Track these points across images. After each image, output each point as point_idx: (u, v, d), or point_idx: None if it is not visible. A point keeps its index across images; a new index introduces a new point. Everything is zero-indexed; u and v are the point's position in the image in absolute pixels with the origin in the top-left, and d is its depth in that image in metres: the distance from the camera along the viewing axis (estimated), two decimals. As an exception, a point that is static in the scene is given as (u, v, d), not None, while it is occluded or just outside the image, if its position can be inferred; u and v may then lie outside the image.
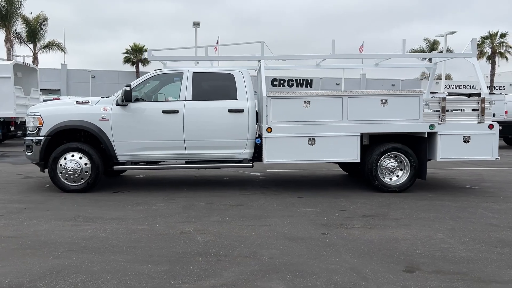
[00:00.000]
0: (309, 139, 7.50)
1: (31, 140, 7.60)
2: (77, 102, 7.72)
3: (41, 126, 7.53)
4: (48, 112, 7.62)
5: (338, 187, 8.28)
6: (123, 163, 7.67)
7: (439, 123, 7.58)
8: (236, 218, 5.83)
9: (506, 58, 46.81)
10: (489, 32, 48.21)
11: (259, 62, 8.10)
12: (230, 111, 7.61)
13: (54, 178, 7.50)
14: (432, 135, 7.64)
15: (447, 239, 4.92)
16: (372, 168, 7.62)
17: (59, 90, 46.97)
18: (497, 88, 49.31)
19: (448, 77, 73.96)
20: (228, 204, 6.73)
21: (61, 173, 7.47)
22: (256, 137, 7.73)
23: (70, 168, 7.42)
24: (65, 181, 7.50)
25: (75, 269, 3.96)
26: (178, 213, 6.11)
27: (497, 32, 48.10)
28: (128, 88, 7.28)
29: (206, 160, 7.85)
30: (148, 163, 7.92)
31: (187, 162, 7.97)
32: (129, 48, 48.43)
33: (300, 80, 48.85)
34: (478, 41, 49.12)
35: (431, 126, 7.57)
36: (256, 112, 7.92)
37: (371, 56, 9.03)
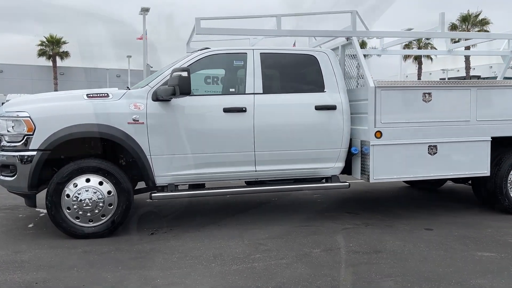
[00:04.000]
0: (430, 146, 5.43)
1: (13, 156, 4.68)
2: (88, 96, 4.91)
3: (32, 134, 4.64)
4: (44, 112, 4.74)
5: (438, 207, 6.28)
6: (162, 188, 5.06)
7: None
8: (419, 285, 3.58)
9: (431, 58, 48.38)
10: (416, 33, 49.82)
11: (347, 39, 5.83)
12: (318, 108, 5.31)
13: (56, 217, 4.65)
14: None
15: None
16: (502, 184, 5.73)
17: (-42, 86, 40.51)
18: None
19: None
20: (354, 250, 4.42)
21: (68, 209, 4.66)
22: (351, 146, 5.52)
23: (87, 200, 4.64)
24: (76, 221, 4.69)
25: None
26: (311, 275, 3.71)
27: (423, 34, 49.72)
28: (186, 74, 4.65)
29: (277, 180, 5.48)
30: (193, 186, 5.38)
31: (247, 183, 5.57)
32: (45, 40, 43.02)
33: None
34: (406, 42, 50.63)
35: None
36: None
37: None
